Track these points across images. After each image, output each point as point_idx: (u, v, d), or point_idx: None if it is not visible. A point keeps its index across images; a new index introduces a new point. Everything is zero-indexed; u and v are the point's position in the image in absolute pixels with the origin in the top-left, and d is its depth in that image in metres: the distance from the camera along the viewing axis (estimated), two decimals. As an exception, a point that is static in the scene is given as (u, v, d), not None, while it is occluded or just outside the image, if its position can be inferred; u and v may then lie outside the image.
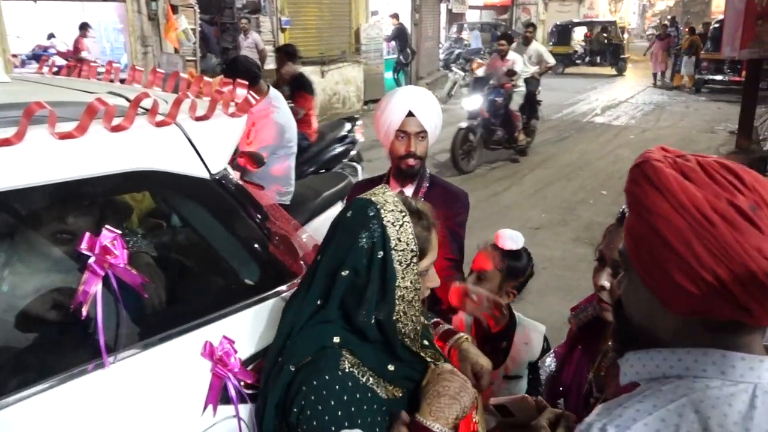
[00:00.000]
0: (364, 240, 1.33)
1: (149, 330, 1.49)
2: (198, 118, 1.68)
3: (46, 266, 1.48)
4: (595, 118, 12.92)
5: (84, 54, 9.94)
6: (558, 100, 14.87)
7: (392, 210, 1.35)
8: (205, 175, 1.66)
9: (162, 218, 1.95)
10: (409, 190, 2.29)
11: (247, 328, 1.64)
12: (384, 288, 1.32)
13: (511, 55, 8.39)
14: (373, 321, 1.33)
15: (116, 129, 1.48)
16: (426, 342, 1.51)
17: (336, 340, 1.34)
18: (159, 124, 1.58)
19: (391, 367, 1.36)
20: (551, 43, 20.66)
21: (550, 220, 6.58)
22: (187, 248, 1.80)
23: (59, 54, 10.37)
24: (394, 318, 1.34)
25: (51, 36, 12.04)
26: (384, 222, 1.33)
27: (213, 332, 1.56)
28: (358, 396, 1.28)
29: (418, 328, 1.42)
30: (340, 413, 1.24)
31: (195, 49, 10.43)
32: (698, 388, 0.84)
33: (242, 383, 1.58)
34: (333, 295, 1.35)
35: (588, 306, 1.72)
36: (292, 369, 1.32)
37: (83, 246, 1.33)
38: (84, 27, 10.42)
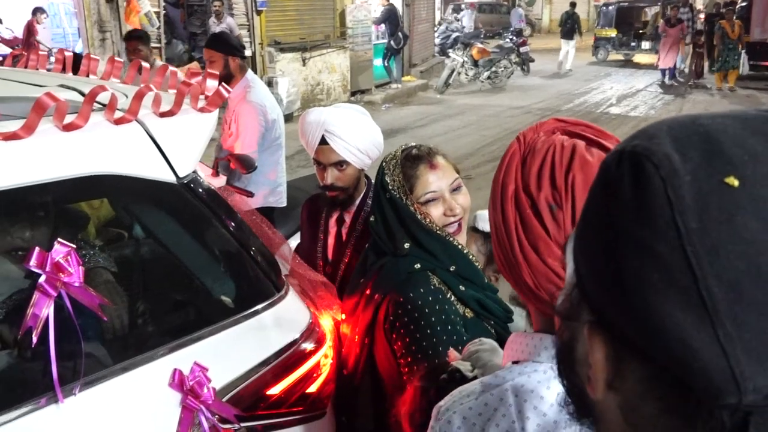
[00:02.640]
0: (376, 191, 1.78)
1: (109, 358, 1.46)
2: (163, 114, 1.66)
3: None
4: (610, 108, 12.98)
5: (39, 39, 9.91)
6: (568, 89, 14.95)
7: (391, 159, 1.78)
8: (172, 180, 1.63)
9: (123, 228, 1.92)
10: (348, 217, 2.27)
11: (221, 353, 1.62)
12: (401, 219, 1.70)
13: None
14: (407, 245, 1.69)
15: (69, 128, 1.45)
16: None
17: (417, 266, 1.67)
18: (118, 122, 1.56)
19: (462, 288, 1.67)
20: (599, 26, 20.50)
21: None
22: (151, 263, 1.78)
23: (4, 42, 10.31)
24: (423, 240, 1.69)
25: (-3, 21, 11.97)
26: (384, 171, 1.76)
27: (183, 359, 1.53)
28: (446, 307, 1.63)
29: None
30: (434, 319, 1.60)
31: (159, 35, 10.40)
32: (525, 372, 0.94)
33: (216, 417, 1.56)
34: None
35: None
36: (384, 293, 1.68)
37: (32, 263, 1.31)
38: (36, 12, 10.39)
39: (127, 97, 1.65)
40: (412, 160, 1.75)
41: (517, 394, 0.92)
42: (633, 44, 20.18)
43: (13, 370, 1.41)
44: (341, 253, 2.27)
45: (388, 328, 1.66)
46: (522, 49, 16.32)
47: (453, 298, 1.67)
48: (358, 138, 2.12)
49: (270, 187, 4.05)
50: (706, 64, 15.86)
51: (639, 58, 20.13)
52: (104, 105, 1.57)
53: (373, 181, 2.35)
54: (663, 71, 15.99)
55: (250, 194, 3.62)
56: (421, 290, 1.63)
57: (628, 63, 19.97)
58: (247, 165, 3.64)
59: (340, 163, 2.14)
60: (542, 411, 0.90)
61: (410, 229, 1.70)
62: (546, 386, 0.91)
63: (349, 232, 2.26)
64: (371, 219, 1.79)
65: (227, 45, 4.07)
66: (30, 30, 10.30)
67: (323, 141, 2.10)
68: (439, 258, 1.69)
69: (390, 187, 1.73)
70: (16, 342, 1.33)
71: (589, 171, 0.90)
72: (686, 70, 16.43)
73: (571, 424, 0.75)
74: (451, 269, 1.70)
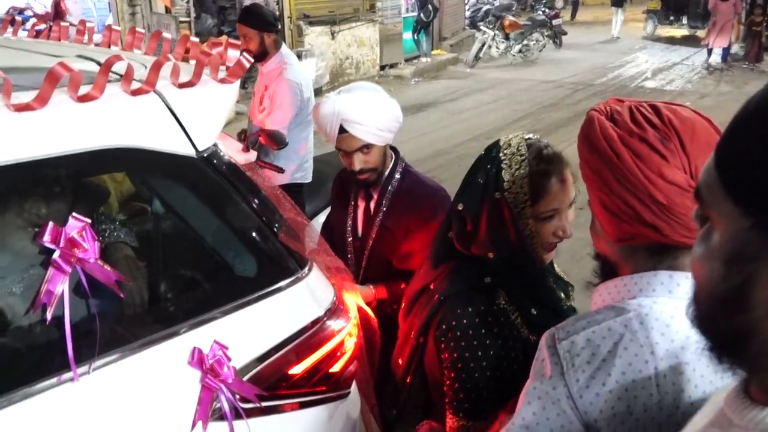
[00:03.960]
0: (479, 178, 1.56)
1: (126, 335, 1.43)
2: (182, 85, 1.60)
3: (6, 262, 1.42)
4: (645, 82, 12.64)
5: (68, 18, 9.93)
6: (602, 63, 14.60)
7: (513, 153, 1.54)
8: (191, 153, 1.58)
9: (144, 203, 1.88)
10: (375, 192, 2.23)
11: (243, 331, 1.58)
12: (504, 227, 1.54)
13: None
14: (491, 255, 1.56)
15: (84, 99, 1.40)
16: (564, 297, 1.72)
17: (487, 280, 1.58)
18: (135, 93, 1.50)
19: (534, 311, 1.57)
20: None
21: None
22: (172, 238, 1.73)
23: (36, 16, 10.37)
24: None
25: (27, -5, 12.03)
26: (501, 164, 1.53)
27: (202, 337, 1.49)
28: (506, 332, 1.54)
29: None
30: (479, 345, 1.52)
31: (189, 9, 10.38)
32: (646, 305, 1.03)
33: (237, 397, 1.52)
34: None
35: None
36: (442, 299, 1.59)
37: (46, 238, 1.27)
38: (64, -14, 10.39)
39: (145, 68, 1.59)
40: (544, 169, 1.54)
41: (642, 321, 1.00)
42: (672, 18, 18.84)
43: (29, 348, 1.38)
44: (369, 228, 2.26)
45: (438, 335, 1.59)
46: (554, 22, 15.95)
47: (519, 320, 1.57)
48: (376, 119, 2.06)
49: (298, 163, 4.02)
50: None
51: (682, 33, 19.16)
52: (121, 76, 1.52)
53: (399, 154, 2.32)
54: (709, 51, 14.18)
55: (281, 170, 3.68)
56: (481, 308, 1.55)
57: (674, 39, 18.40)
58: (278, 141, 3.60)
59: (365, 147, 2.09)
60: (670, 337, 0.99)
61: (507, 240, 1.54)
62: (670, 315, 1.00)
63: (377, 207, 2.24)
64: (459, 206, 1.60)
65: (262, 20, 3.95)
66: (58, 5, 10.33)
67: (342, 130, 2.05)
68: (521, 276, 1.59)
69: (507, 188, 1.52)
70: (31, 319, 1.30)
71: (676, 112, 1.06)
72: (740, 53, 14.59)
73: (699, 353, 0.79)
74: (528, 290, 1.60)
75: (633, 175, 1.02)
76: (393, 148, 2.28)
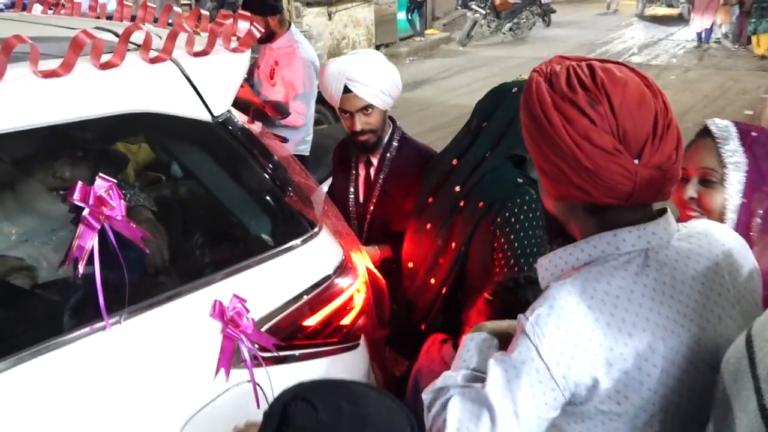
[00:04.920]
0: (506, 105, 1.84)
1: (153, 289, 1.46)
2: (196, 54, 1.61)
3: (34, 218, 1.44)
4: (631, 57, 12.58)
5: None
6: (590, 40, 14.51)
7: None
8: (207, 118, 1.60)
9: (160, 170, 1.90)
10: (374, 159, 2.29)
11: (260, 286, 1.61)
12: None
13: None
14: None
15: (105, 66, 1.42)
16: None
17: (519, 180, 1.82)
18: (153, 61, 1.52)
19: None
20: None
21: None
22: (190, 200, 1.76)
23: None
24: None
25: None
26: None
27: (222, 291, 1.53)
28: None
29: None
30: (537, 227, 1.80)
31: (194, -11, 10.28)
32: (595, 268, 1.05)
33: (256, 346, 1.56)
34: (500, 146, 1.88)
35: None
36: (491, 202, 1.84)
37: (75, 196, 1.29)
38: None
39: (161, 38, 1.60)
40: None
41: (596, 281, 1.03)
42: None
43: (63, 300, 1.41)
44: (370, 194, 2.31)
45: (493, 229, 1.83)
46: (543, 0, 15.81)
47: None
48: (379, 81, 2.09)
49: (301, 136, 4.06)
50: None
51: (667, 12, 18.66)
52: (139, 45, 1.53)
53: (395, 123, 2.36)
54: (699, 34, 13.03)
55: (285, 140, 3.69)
56: (535, 196, 1.78)
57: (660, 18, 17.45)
58: (282, 111, 3.62)
59: (366, 108, 2.12)
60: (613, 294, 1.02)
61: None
62: (624, 268, 1.04)
63: (377, 173, 2.29)
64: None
65: (263, 5, 3.95)
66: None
67: (346, 90, 2.08)
68: None
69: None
70: (65, 273, 1.33)
71: (610, 73, 1.02)
72: (729, 35, 13.12)
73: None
74: None
75: (562, 140, 1.01)
76: (390, 118, 2.31)
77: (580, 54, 2.42)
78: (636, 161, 0.99)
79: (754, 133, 1.41)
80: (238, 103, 1.94)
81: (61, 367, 1.30)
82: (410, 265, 2.11)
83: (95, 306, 1.31)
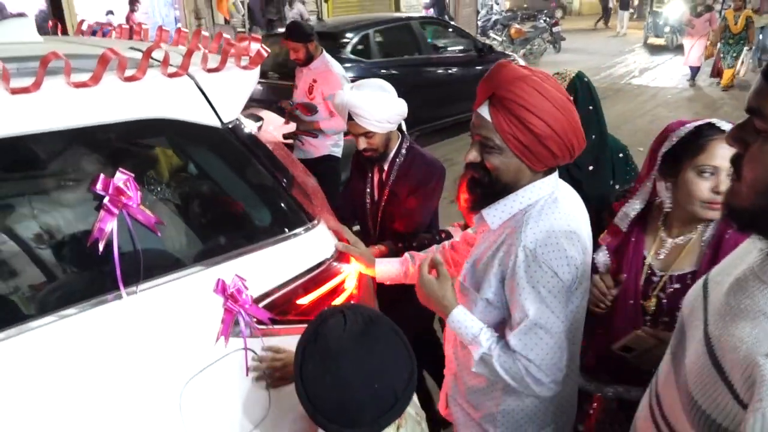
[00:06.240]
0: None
1: (165, 267, 1.52)
2: (210, 70, 1.68)
3: (66, 206, 1.51)
4: (632, 79, 12.39)
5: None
6: (596, 64, 14.31)
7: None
8: (217, 124, 1.66)
9: (181, 166, 1.97)
10: (385, 165, 2.44)
11: (259, 268, 1.66)
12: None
13: None
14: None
15: (129, 79, 1.49)
16: None
17: None
18: (171, 75, 1.58)
19: None
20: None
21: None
22: (203, 194, 1.82)
23: (114, 29, 10.52)
24: None
25: (109, 12, 12.22)
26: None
27: (225, 271, 1.58)
28: None
29: None
30: None
31: (244, 21, 10.47)
32: (527, 210, 1.45)
33: (253, 319, 1.61)
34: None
35: (635, 200, 1.77)
36: None
37: (98, 186, 1.36)
38: (133, 2, 10.54)
39: (181, 56, 1.67)
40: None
41: (526, 216, 1.46)
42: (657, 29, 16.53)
43: (85, 272, 1.48)
44: (381, 194, 2.48)
45: None
46: (554, 29, 15.66)
47: None
48: (378, 113, 2.22)
49: (335, 139, 4.42)
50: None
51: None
52: (160, 62, 1.60)
53: (405, 134, 2.45)
54: (693, 69, 11.45)
55: (315, 135, 4.26)
56: None
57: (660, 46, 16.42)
58: (311, 109, 4.14)
59: (367, 133, 2.28)
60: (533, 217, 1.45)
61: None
62: (542, 203, 1.45)
63: (387, 177, 2.45)
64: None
65: (303, 34, 4.30)
66: (128, 20, 10.49)
67: (350, 117, 2.24)
68: None
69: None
70: (87, 250, 1.39)
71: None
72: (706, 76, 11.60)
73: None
74: None
75: (576, 121, 1.44)
76: (401, 130, 2.44)
77: (588, 75, 2.58)
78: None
79: None
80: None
81: (89, 325, 1.37)
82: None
83: (113, 278, 1.38)
